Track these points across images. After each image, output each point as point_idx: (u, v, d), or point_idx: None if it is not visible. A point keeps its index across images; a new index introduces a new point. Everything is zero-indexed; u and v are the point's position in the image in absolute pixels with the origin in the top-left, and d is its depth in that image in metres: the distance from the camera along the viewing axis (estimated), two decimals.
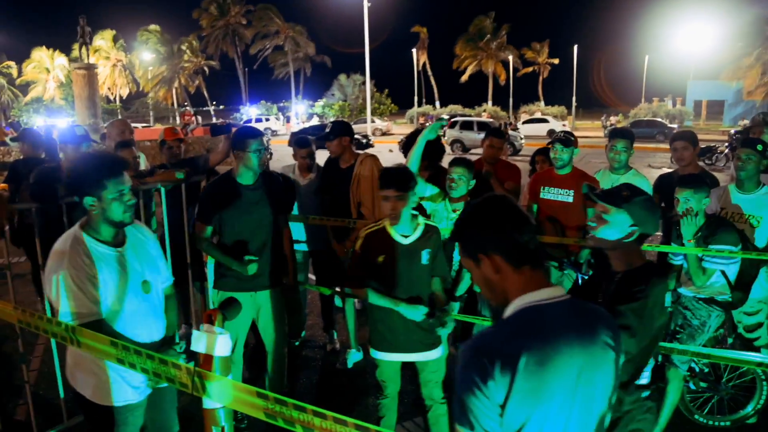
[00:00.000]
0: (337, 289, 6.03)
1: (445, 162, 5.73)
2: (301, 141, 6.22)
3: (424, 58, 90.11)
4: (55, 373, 4.68)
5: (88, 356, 2.95)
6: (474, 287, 4.97)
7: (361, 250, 4.02)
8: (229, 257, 4.50)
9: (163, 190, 5.41)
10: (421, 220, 4.05)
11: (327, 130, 5.99)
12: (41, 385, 5.51)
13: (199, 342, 2.03)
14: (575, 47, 75.24)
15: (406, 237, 3.95)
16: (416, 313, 3.87)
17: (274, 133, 53.31)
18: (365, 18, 46.35)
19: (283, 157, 15.60)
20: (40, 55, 76.75)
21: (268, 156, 5.91)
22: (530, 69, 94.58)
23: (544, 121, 49.66)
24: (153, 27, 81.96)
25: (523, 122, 50.44)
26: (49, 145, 7.75)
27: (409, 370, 4.25)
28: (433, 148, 5.61)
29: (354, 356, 6.10)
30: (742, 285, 4.51)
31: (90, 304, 2.98)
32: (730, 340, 4.84)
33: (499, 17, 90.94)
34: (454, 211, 5.12)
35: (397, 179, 3.80)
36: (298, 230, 6.22)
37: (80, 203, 4.65)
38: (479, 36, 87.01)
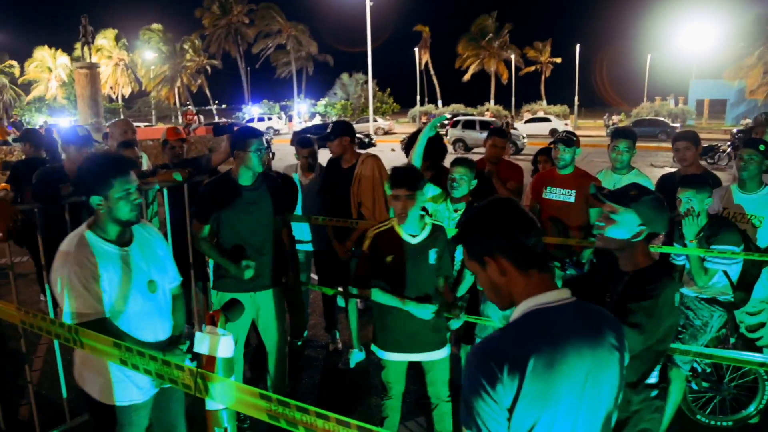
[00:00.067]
0: (340, 289, 6.03)
1: (448, 162, 5.72)
2: (303, 141, 6.23)
3: (426, 57, 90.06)
4: (57, 372, 4.68)
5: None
6: (477, 286, 4.97)
7: (369, 250, 4.02)
8: (227, 260, 4.51)
9: (165, 190, 5.41)
10: (428, 219, 4.07)
11: (328, 130, 5.99)
12: (44, 384, 5.52)
13: (201, 343, 2.03)
14: (577, 46, 75.26)
15: (414, 237, 3.96)
16: (425, 311, 3.88)
17: (277, 132, 53.27)
18: (367, 17, 46.46)
19: (285, 156, 15.57)
20: (43, 54, 76.82)
21: (271, 156, 5.91)
22: (532, 68, 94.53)
23: (547, 120, 49.57)
24: (155, 26, 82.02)
25: (526, 121, 50.35)
26: (49, 144, 7.76)
27: (412, 370, 4.25)
28: (435, 148, 5.61)
29: (356, 356, 6.11)
30: (744, 285, 4.50)
31: (95, 302, 2.99)
32: (732, 340, 4.84)
33: (501, 16, 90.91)
34: (455, 211, 5.12)
35: (408, 179, 3.81)
36: (300, 230, 6.22)
37: (83, 203, 4.68)
38: (481, 35, 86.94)
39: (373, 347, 4.19)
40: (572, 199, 5.29)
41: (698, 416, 4.84)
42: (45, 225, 4.61)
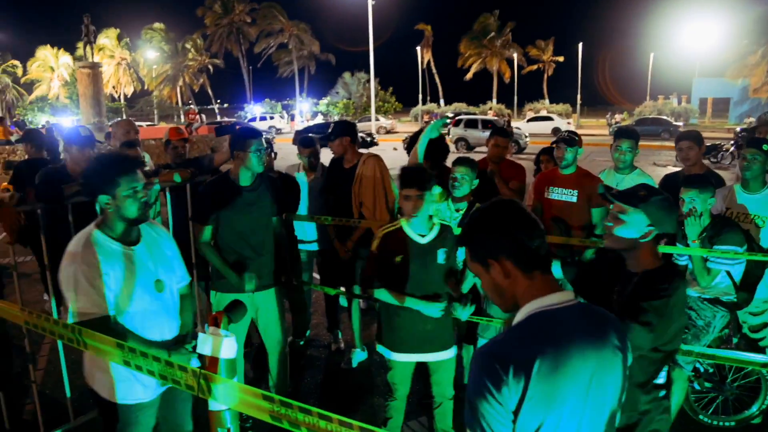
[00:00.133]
0: (342, 288, 6.03)
1: (449, 162, 5.72)
2: (305, 140, 6.23)
3: (428, 56, 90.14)
4: (61, 372, 4.69)
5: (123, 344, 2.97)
6: (478, 286, 4.97)
7: (378, 251, 4.02)
8: (229, 268, 4.52)
9: (168, 190, 5.42)
10: (437, 219, 4.07)
11: (329, 130, 6.00)
12: (48, 384, 5.53)
13: (204, 344, 2.03)
14: (580, 45, 75.06)
15: (422, 237, 3.97)
16: (434, 309, 3.88)
17: (279, 131, 53.29)
18: (369, 16, 46.36)
19: (287, 156, 15.53)
20: (45, 53, 76.97)
21: (273, 156, 5.92)
22: (535, 67, 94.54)
23: (549, 119, 49.56)
24: (157, 25, 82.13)
25: (528, 120, 50.36)
26: (50, 144, 7.78)
27: (416, 370, 4.25)
28: (437, 148, 5.61)
29: (358, 356, 6.11)
30: (747, 285, 4.50)
31: (101, 301, 3.01)
32: (735, 340, 4.84)
33: (503, 15, 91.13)
34: (456, 210, 5.13)
35: (419, 179, 3.82)
36: (302, 229, 6.23)
37: (87, 203, 4.69)
38: (484, 34, 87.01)
39: (380, 348, 4.19)
40: (574, 199, 5.28)
41: (701, 416, 4.84)
42: (48, 225, 4.61)
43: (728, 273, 4.41)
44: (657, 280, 2.71)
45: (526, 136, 33.77)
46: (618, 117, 56.12)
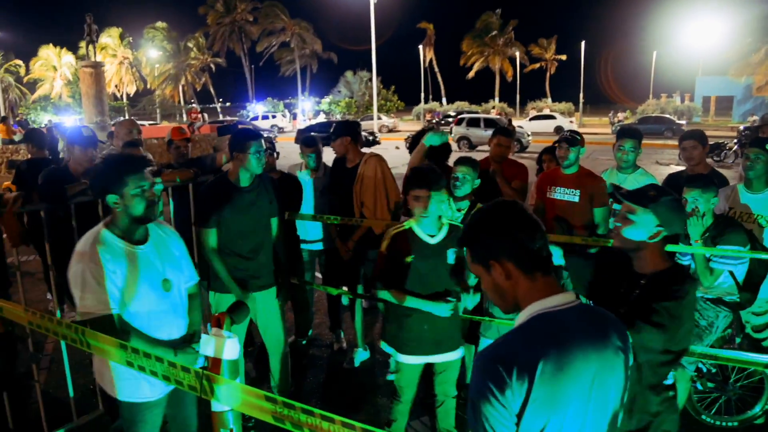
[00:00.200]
0: (345, 288, 6.04)
1: (451, 161, 5.71)
2: (307, 140, 6.23)
3: (430, 54, 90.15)
4: (64, 371, 4.70)
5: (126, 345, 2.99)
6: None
7: (387, 251, 4.02)
8: (233, 281, 4.52)
9: (170, 189, 5.42)
10: (445, 219, 4.06)
11: (331, 130, 6.01)
12: (51, 383, 5.55)
13: (207, 345, 2.04)
14: (583, 43, 74.98)
15: (432, 237, 3.96)
16: (444, 309, 3.87)
17: (281, 130, 53.30)
18: (372, 14, 46.34)
19: (289, 155, 15.51)
20: (48, 53, 77.12)
21: (276, 155, 5.91)
22: (537, 65, 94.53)
23: (552, 117, 49.53)
24: (159, 24, 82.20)
25: (530, 118, 50.34)
26: (50, 143, 7.79)
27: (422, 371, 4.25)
28: (439, 148, 5.60)
29: (361, 355, 6.11)
30: (750, 285, 4.49)
31: (108, 299, 3.03)
32: (738, 340, 4.83)
33: (505, 13, 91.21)
34: (458, 210, 5.13)
35: (430, 179, 3.81)
36: (304, 229, 6.23)
37: (89, 203, 4.70)
38: (486, 32, 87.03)
39: (388, 349, 4.17)
40: (576, 199, 5.28)
41: (703, 416, 4.84)
42: (51, 225, 4.62)
43: (731, 273, 4.41)
44: (668, 281, 2.69)
45: (528, 135, 33.72)
46: (621, 115, 56.16)
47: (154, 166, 6.25)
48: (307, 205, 6.12)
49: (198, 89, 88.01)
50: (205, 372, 2.01)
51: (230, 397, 1.98)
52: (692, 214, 4.28)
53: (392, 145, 33.89)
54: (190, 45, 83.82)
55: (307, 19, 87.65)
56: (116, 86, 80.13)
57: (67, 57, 76.40)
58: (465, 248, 2.06)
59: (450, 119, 45.99)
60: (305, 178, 6.16)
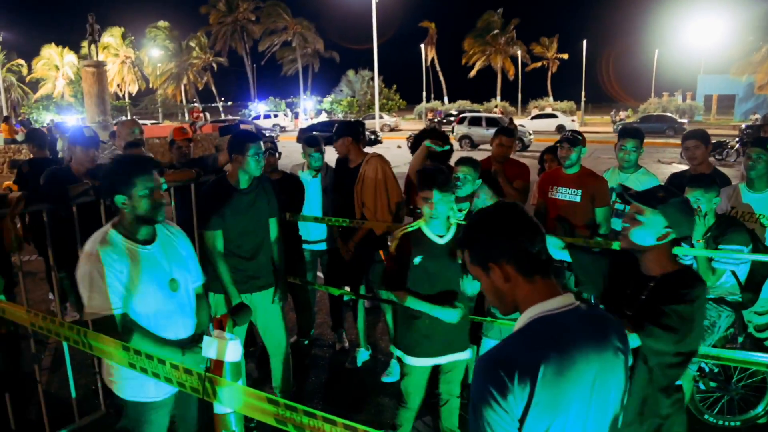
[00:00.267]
0: (347, 288, 6.04)
1: (451, 161, 5.70)
2: (309, 140, 6.22)
3: (432, 53, 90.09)
4: (66, 372, 4.71)
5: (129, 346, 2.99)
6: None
7: (396, 251, 4.01)
8: (234, 288, 4.51)
9: (172, 189, 5.42)
10: (453, 219, 4.06)
11: (333, 130, 6.01)
12: (53, 384, 5.55)
13: (209, 347, 2.04)
14: (584, 42, 74.95)
15: (441, 237, 3.95)
16: (453, 314, 3.87)
17: (283, 129, 53.29)
18: (373, 13, 46.36)
19: (291, 154, 15.49)
20: (50, 52, 77.21)
21: (278, 156, 5.91)
22: (539, 64, 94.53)
23: (553, 116, 49.48)
24: (161, 23, 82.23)
25: (532, 117, 50.30)
26: (51, 143, 7.80)
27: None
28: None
29: (363, 355, 6.11)
30: (752, 285, 4.48)
31: (116, 299, 3.04)
32: (740, 339, 4.83)
33: (507, 12, 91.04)
34: (459, 210, 5.12)
35: (439, 181, 3.79)
36: (306, 229, 6.23)
37: (91, 204, 4.70)
38: (488, 31, 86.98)
39: (398, 352, 4.15)
40: (578, 199, 5.28)
41: (706, 416, 4.83)
42: (54, 226, 4.63)
43: (733, 273, 4.40)
44: (678, 284, 2.66)
45: (530, 134, 33.71)
46: (622, 114, 56.16)
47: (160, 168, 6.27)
48: (310, 205, 6.12)
49: (200, 88, 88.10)
50: (208, 374, 2.02)
51: (232, 399, 1.98)
52: (695, 213, 4.27)
53: (394, 144, 33.86)
54: (192, 44, 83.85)
55: (309, 18, 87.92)
56: (118, 86, 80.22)
57: (70, 56, 76.48)
58: (464, 250, 2.05)
59: (452, 118, 45.99)
60: (307, 178, 6.16)
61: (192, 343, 3.37)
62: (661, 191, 2.78)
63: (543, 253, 1.93)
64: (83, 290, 3.06)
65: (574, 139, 5.33)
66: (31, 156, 7.64)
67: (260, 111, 66.12)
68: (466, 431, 4.35)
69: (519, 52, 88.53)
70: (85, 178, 5.26)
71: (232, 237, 4.58)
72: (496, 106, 69.12)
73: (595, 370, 1.83)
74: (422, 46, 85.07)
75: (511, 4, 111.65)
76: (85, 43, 37.30)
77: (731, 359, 4.13)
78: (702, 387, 4.87)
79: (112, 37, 77.18)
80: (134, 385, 3.25)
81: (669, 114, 50.34)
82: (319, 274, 6.77)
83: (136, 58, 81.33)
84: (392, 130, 53.43)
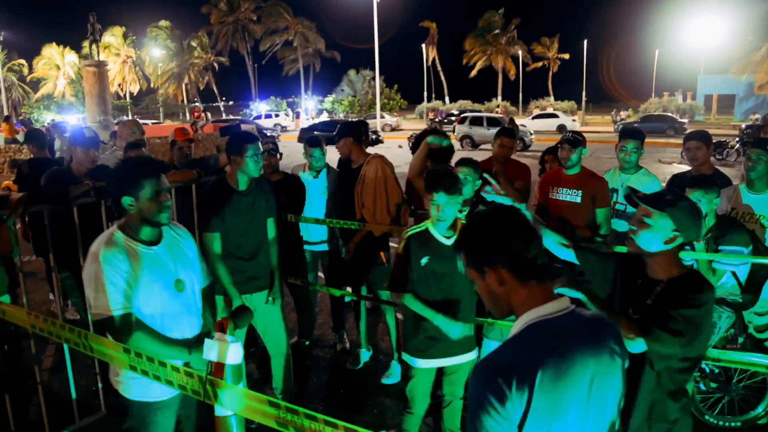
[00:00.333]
0: (349, 288, 6.03)
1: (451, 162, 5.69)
2: (311, 140, 6.22)
3: (433, 53, 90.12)
4: (67, 373, 4.71)
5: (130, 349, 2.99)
6: None
7: (404, 252, 4.01)
8: (234, 289, 4.52)
9: (173, 190, 5.43)
10: (462, 220, 4.06)
11: (336, 131, 6.01)
12: (53, 385, 5.55)
13: (210, 350, 2.04)
14: (585, 42, 74.95)
15: (448, 238, 3.95)
16: (454, 329, 3.86)
17: (284, 129, 53.29)
18: (375, 13, 46.38)
19: (292, 153, 15.48)
20: (51, 51, 77.25)
21: (279, 156, 5.92)
22: (540, 64, 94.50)
23: (554, 116, 49.45)
24: (163, 23, 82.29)
25: (533, 117, 50.29)
26: (50, 142, 7.80)
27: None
28: (442, 148, 5.58)
29: (364, 355, 6.11)
30: (752, 286, 4.48)
31: (122, 299, 3.04)
32: (740, 340, 4.83)
33: (508, 12, 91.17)
34: (459, 211, 5.12)
35: (447, 183, 3.78)
36: (307, 230, 6.23)
37: (92, 205, 4.71)
38: (488, 31, 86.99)
39: (407, 356, 4.12)
40: (578, 199, 5.29)
41: (706, 417, 4.83)
42: (54, 226, 4.63)
43: (734, 273, 4.40)
44: (686, 288, 2.63)
45: (531, 134, 33.69)
46: (623, 114, 56.14)
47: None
48: (311, 206, 6.11)
49: (201, 88, 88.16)
50: (209, 377, 2.02)
51: (233, 402, 1.99)
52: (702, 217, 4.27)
53: (395, 144, 33.83)
54: (194, 44, 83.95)
55: (310, 17, 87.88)
56: (119, 85, 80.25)
57: (71, 56, 76.52)
58: (461, 252, 2.05)
59: (453, 118, 45.98)
60: (308, 179, 6.16)
61: (198, 342, 3.37)
62: (669, 194, 2.75)
63: (538, 258, 1.92)
64: (89, 291, 3.07)
65: (575, 140, 5.33)
66: (32, 156, 7.64)
67: (261, 111, 66.11)
68: None
69: (520, 52, 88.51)
70: (85, 179, 5.27)
71: (233, 238, 4.58)
72: (497, 106, 69.15)
73: (592, 373, 1.83)
74: (423, 45, 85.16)
75: (512, 3, 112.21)
76: (86, 43, 37.28)
77: (731, 361, 4.13)
78: (702, 387, 4.87)
79: (113, 36, 77.19)
80: (140, 384, 3.25)
81: (669, 114, 50.33)
82: (320, 274, 6.78)
83: (138, 58, 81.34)
84: (393, 129, 53.45)
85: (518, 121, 40.84)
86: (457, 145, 30.67)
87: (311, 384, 5.74)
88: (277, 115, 59.57)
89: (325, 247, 6.30)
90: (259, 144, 4.55)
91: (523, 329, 1.87)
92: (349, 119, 51.79)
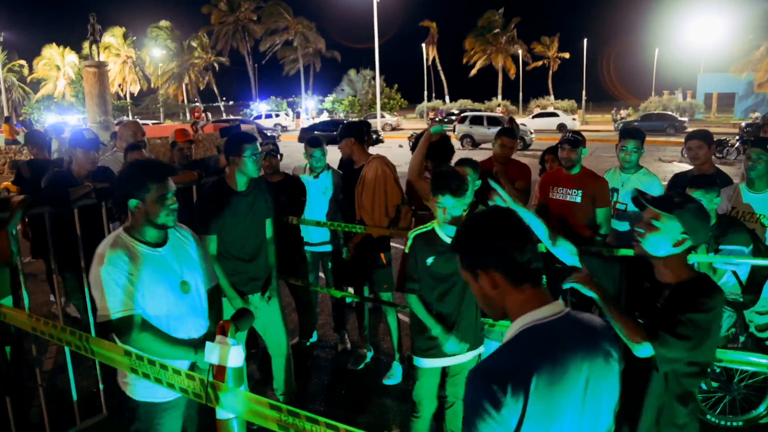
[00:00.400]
0: (351, 289, 6.02)
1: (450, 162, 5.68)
2: (311, 140, 6.22)
3: (433, 52, 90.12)
4: (68, 375, 4.71)
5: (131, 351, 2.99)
6: None
7: (410, 252, 4.01)
8: (233, 290, 4.52)
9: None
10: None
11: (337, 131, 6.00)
12: (54, 387, 5.54)
13: (212, 353, 2.04)
14: (585, 41, 74.97)
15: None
16: (449, 342, 3.86)
17: (284, 128, 53.28)
18: (375, 13, 46.40)
19: (293, 153, 15.49)
20: (51, 52, 77.27)
21: (279, 157, 5.92)
22: (540, 63, 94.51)
23: (555, 115, 49.45)
24: (163, 23, 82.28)
25: (533, 116, 50.28)
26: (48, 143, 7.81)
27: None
28: (442, 150, 5.57)
29: (369, 357, 6.11)
30: (754, 284, 4.48)
31: (128, 301, 3.06)
32: (741, 339, 4.82)
33: (508, 11, 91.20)
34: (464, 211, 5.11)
35: (453, 185, 3.77)
36: (307, 231, 6.22)
37: (92, 206, 4.71)
38: (488, 30, 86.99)
39: (416, 358, 4.12)
40: (579, 199, 5.29)
41: (708, 416, 4.83)
42: (54, 228, 4.64)
43: (734, 273, 4.40)
44: (694, 293, 2.60)
45: (531, 133, 33.68)
46: (623, 113, 56.14)
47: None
48: (311, 207, 6.11)
49: (201, 88, 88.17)
50: (210, 380, 2.02)
51: (235, 405, 1.98)
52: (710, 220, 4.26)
53: (395, 143, 33.85)
54: (194, 44, 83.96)
55: (311, 17, 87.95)
56: (120, 85, 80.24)
57: (71, 56, 76.54)
58: (456, 254, 2.04)
59: (453, 117, 45.98)
60: (308, 180, 6.16)
61: (204, 343, 3.37)
62: (677, 196, 2.71)
63: (533, 262, 1.89)
64: (95, 292, 3.08)
65: (575, 141, 5.33)
66: (31, 157, 7.64)
67: (262, 110, 66.15)
68: None
69: (520, 51, 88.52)
70: (86, 181, 5.27)
71: (233, 240, 4.58)
72: (498, 105, 69.25)
73: (587, 376, 1.82)
74: (423, 45, 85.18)
75: (512, 3, 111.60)
76: (86, 43, 37.28)
77: (732, 361, 4.12)
78: (704, 387, 4.87)
79: (113, 37, 77.18)
80: (147, 385, 3.23)
81: (669, 112, 50.27)
82: (321, 275, 6.78)
83: (138, 58, 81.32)
84: (394, 129, 53.48)
85: (518, 120, 40.86)
86: (457, 144, 30.70)
87: (312, 385, 5.74)
88: (277, 115, 59.58)
89: (325, 248, 6.30)
90: (258, 144, 4.55)
91: (518, 334, 1.85)
92: (350, 119, 51.77)
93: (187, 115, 71.20)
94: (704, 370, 2.69)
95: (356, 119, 49.23)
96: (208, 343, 2.06)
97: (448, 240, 3.91)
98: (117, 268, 3.05)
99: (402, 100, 79.61)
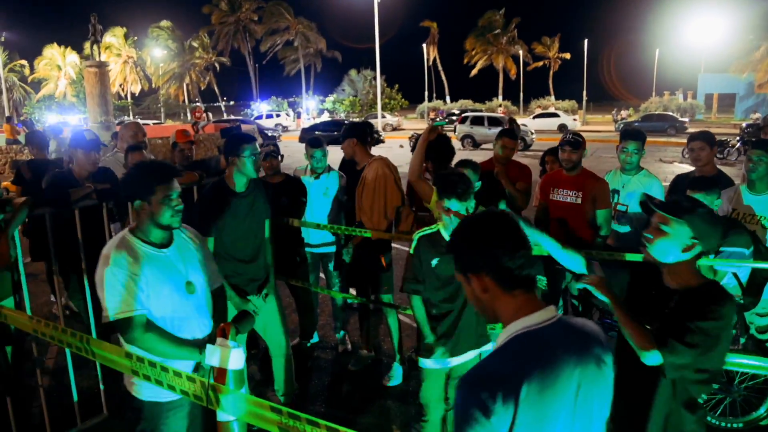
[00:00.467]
0: (353, 291, 6.02)
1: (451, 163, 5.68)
2: (312, 141, 6.21)
3: (434, 53, 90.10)
4: (68, 375, 4.71)
5: (137, 351, 2.99)
6: None
7: (415, 253, 4.02)
8: (231, 290, 4.51)
9: None
10: None
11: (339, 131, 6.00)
12: (55, 387, 5.55)
13: (212, 356, 2.05)
14: (586, 41, 74.93)
15: None
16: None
17: (285, 129, 53.25)
18: (375, 13, 46.40)
19: (293, 153, 15.48)
20: (52, 52, 77.28)
21: (280, 158, 5.93)
22: (540, 63, 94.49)
23: (555, 115, 49.42)
24: (164, 23, 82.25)
25: (534, 117, 50.26)
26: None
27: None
28: (442, 151, 5.56)
29: (368, 359, 6.11)
30: (754, 286, 4.48)
31: (133, 301, 3.06)
32: (742, 341, 4.82)
33: (509, 12, 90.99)
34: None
35: (459, 189, 3.76)
36: (307, 231, 6.21)
37: (93, 207, 4.71)
38: (489, 30, 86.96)
39: (422, 361, 4.12)
40: (579, 201, 5.29)
41: (708, 418, 4.82)
42: (55, 228, 4.64)
43: (735, 274, 4.40)
44: (704, 299, 2.56)
45: (532, 133, 33.66)
46: (624, 113, 56.09)
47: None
48: (311, 208, 6.11)
49: (202, 88, 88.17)
50: (211, 382, 2.02)
51: (236, 408, 1.99)
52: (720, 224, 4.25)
53: (396, 144, 33.84)
54: (195, 44, 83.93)
55: (311, 17, 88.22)
56: (121, 85, 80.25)
57: (72, 56, 76.54)
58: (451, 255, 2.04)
59: (454, 117, 45.95)
60: (308, 181, 6.16)
61: (207, 344, 3.38)
62: (686, 201, 2.68)
63: (525, 268, 1.87)
64: (101, 293, 3.09)
65: (575, 142, 5.33)
66: (32, 157, 7.65)
67: (262, 111, 66.13)
68: None
69: (520, 52, 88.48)
70: (86, 182, 5.27)
71: (233, 241, 4.58)
72: (500, 106, 69.24)
73: (578, 382, 1.80)
74: (424, 45, 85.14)
75: (513, 3, 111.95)
76: (87, 43, 37.26)
77: (732, 363, 4.12)
78: None
79: (114, 37, 77.18)
80: (153, 385, 3.26)
81: (670, 113, 50.25)
82: (321, 275, 6.78)
83: (139, 58, 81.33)
84: (394, 129, 53.44)
85: (519, 120, 40.82)
86: (458, 145, 30.68)
87: (313, 386, 5.74)
88: (278, 115, 59.56)
89: (325, 249, 6.30)
90: (257, 144, 4.55)
91: (509, 341, 1.84)
92: (351, 119, 51.70)
93: (188, 115, 71.19)
94: (714, 378, 2.66)
95: (357, 119, 49.22)
96: (208, 346, 2.06)
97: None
98: (122, 269, 3.07)
99: (403, 100, 79.61)
